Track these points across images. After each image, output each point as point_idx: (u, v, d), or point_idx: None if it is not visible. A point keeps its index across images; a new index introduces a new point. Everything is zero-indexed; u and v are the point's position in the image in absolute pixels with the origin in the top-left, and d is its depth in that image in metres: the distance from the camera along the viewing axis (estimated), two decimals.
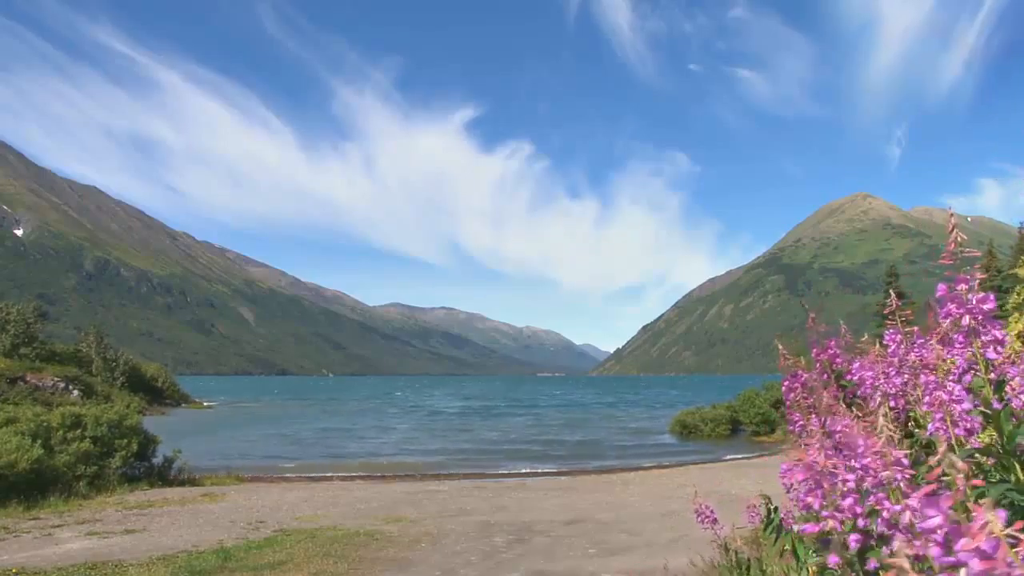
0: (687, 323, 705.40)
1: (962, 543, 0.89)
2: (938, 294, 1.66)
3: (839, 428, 1.69)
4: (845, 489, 1.46)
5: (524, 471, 21.11)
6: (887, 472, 1.42)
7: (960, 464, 1.03)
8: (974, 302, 1.61)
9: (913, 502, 1.33)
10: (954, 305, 1.62)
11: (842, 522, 1.45)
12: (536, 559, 8.66)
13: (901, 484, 1.39)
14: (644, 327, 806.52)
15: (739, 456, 23.85)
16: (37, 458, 12.56)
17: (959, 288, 1.62)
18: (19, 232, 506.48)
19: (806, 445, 1.70)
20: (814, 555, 1.86)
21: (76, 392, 33.94)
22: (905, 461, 1.45)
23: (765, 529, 2.36)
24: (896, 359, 1.89)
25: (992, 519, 0.88)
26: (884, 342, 1.96)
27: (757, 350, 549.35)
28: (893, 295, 1.98)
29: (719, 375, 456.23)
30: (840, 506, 1.46)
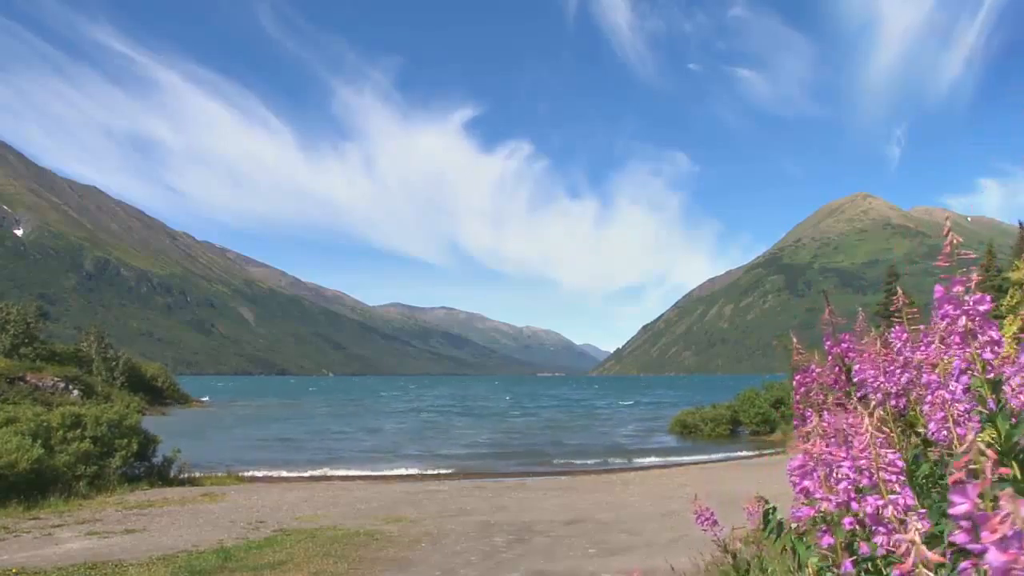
0: (687, 323, 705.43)
1: (987, 529, 0.90)
2: (936, 296, 1.67)
3: (847, 424, 1.71)
4: (839, 475, 1.50)
5: (524, 471, 21.12)
6: (881, 472, 1.46)
7: (989, 452, 1.05)
8: (971, 303, 1.61)
9: (899, 499, 1.38)
10: (951, 306, 1.63)
11: (837, 505, 1.50)
12: (536, 559, 8.66)
13: (895, 484, 1.42)
14: (644, 327, 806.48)
15: (739, 456, 23.86)
16: (37, 458, 12.56)
17: (955, 290, 1.63)
18: (19, 232, 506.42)
19: (808, 437, 1.73)
20: (814, 551, 1.87)
21: (76, 392, 33.93)
22: (899, 463, 1.48)
23: (764, 529, 2.36)
24: (901, 357, 1.89)
25: (1014, 509, 0.90)
26: (891, 340, 1.96)
27: (757, 350, 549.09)
28: (900, 292, 1.98)
29: (719, 375, 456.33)
30: (835, 489, 1.50)
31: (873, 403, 1.95)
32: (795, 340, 2.25)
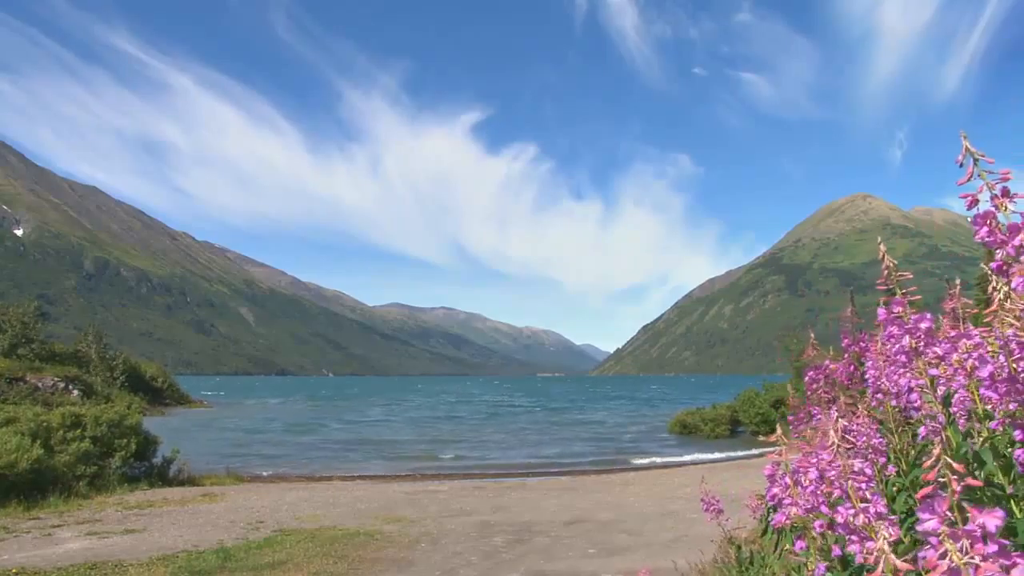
0: (687, 323, 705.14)
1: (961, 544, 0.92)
2: (880, 318, 1.76)
3: (853, 424, 1.72)
4: (806, 481, 1.55)
5: (524, 471, 21.11)
6: (850, 480, 1.49)
7: (956, 466, 1.06)
8: (913, 322, 1.70)
9: (871, 508, 1.40)
10: (895, 327, 1.72)
11: (805, 510, 1.54)
12: (536, 559, 8.66)
13: (866, 492, 1.44)
14: (644, 327, 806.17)
15: (739, 456, 23.85)
16: (37, 458, 12.55)
17: (896, 310, 1.72)
18: (19, 232, 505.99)
19: (806, 437, 1.74)
20: (787, 554, 1.89)
21: (76, 392, 33.93)
22: (868, 471, 1.52)
23: (764, 529, 2.36)
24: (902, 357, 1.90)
25: (987, 522, 0.91)
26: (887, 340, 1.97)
27: (757, 350, 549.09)
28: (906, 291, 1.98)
29: (719, 375, 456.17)
30: (802, 494, 1.55)
31: (872, 403, 1.95)
32: (812, 336, 2.27)
